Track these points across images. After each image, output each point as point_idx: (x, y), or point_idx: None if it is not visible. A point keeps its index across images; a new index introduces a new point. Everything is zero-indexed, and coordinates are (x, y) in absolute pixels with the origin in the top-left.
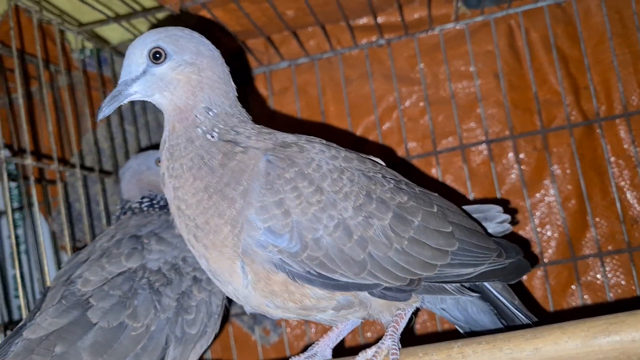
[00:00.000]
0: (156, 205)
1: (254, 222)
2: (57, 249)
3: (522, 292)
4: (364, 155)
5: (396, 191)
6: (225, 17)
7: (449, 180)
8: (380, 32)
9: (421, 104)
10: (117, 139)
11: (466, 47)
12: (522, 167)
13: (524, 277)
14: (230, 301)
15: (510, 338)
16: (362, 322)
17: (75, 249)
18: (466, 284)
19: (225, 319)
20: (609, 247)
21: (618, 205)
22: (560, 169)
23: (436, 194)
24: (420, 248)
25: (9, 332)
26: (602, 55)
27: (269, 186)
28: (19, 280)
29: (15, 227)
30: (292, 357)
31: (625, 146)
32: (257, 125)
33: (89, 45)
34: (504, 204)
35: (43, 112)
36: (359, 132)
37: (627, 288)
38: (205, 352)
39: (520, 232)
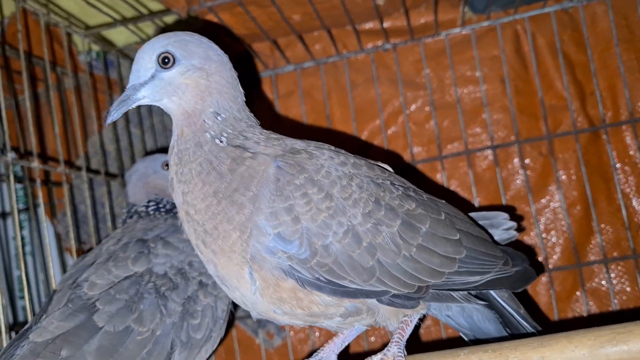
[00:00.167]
0: (162, 209)
1: (264, 228)
2: (61, 251)
3: (526, 300)
4: (372, 162)
5: (404, 198)
6: (232, 21)
7: (454, 186)
8: (387, 37)
9: (427, 108)
10: (123, 142)
11: (472, 52)
12: (528, 172)
13: None
14: (235, 305)
15: (517, 346)
16: (367, 328)
17: (80, 251)
18: (473, 292)
19: (231, 323)
20: (614, 254)
21: (624, 211)
22: (565, 174)
23: (444, 201)
24: (429, 255)
25: (13, 334)
26: (608, 61)
27: (278, 192)
28: (24, 281)
29: (20, 228)
30: None
31: (631, 152)
32: (265, 131)
33: (96, 47)
34: (510, 211)
35: (49, 114)
36: (364, 136)
37: (632, 295)
38: (210, 356)
39: (525, 238)
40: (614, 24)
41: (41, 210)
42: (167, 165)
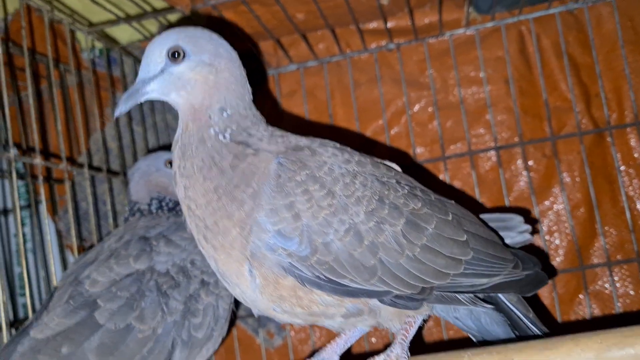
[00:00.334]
0: (165, 207)
1: (264, 224)
2: (62, 248)
3: (533, 301)
4: (378, 160)
5: (410, 197)
6: (236, 19)
7: (456, 187)
8: (390, 37)
9: (430, 109)
10: (125, 139)
11: (476, 52)
12: (531, 174)
13: None
14: (237, 304)
15: (522, 349)
16: (370, 329)
17: (81, 249)
18: (480, 295)
19: (232, 322)
20: (618, 257)
21: (628, 214)
22: (569, 176)
23: (453, 202)
24: (433, 256)
25: (14, 330)
26: (613, 63)
27: (279, 189)
28: (25, 278)
29: (22, 225)
30: None
31: (636, 155)
32: (270, 128)
33: (99, 45)
34: (525, 213)
35: (52, 111)
36: (367, 136)
37: (635, 298)
38: (211, 356)
39: None
40: (620, 26)
41: (43, 207)
42: (169, 163)
